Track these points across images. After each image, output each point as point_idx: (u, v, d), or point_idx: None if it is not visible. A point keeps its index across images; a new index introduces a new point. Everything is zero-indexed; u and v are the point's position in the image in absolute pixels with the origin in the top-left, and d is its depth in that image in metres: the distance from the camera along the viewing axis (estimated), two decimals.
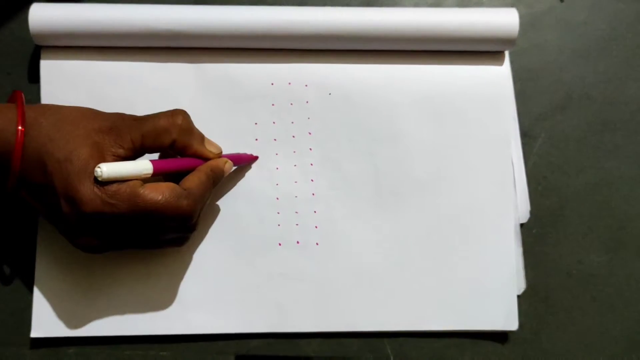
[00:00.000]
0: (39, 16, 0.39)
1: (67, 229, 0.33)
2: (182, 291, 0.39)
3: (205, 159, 0.36)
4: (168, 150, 0.35)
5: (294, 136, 0.41)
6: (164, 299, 0.39)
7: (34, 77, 0.42)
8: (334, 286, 0.40)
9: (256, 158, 0.41)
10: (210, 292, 0.39)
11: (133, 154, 0.34)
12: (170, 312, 0.39)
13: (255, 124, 0.41)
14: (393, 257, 0.40)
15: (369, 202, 0.41)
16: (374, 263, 0.40)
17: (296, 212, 0.40)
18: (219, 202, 0.40)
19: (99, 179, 0.31)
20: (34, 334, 0.38)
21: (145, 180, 0.33)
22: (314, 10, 0.40)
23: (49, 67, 0.41)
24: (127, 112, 0.40)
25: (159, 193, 0.32)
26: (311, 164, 0.41)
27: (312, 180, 0.41)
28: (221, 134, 0.41)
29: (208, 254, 0.40)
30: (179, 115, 0.35)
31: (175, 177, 0.35)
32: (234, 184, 0.40)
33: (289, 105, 0.42)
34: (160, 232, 0.34)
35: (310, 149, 0.41)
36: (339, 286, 0.40)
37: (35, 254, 0.39)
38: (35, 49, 0.42)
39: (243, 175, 0.41)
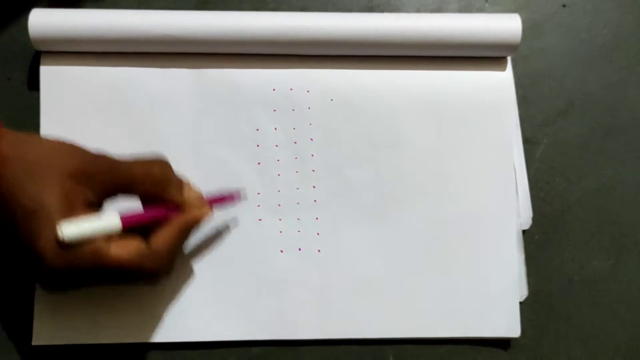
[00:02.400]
0: (39, 21, 0.39)
1: (31, 274, 0.32)
2: (183, 298, 0.39)
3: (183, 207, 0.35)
4: (141, 198, 0.34)
5: (295, 142, 0.41)
6: (164, 307, 0.39)
7: (34, 82, 0.41)
8: (335, 293, 0.40)
9: (239, 195, 0.39)
10: (211, 299, 0.39)
11: (105, 200, 0.33)
12: (171, 320, 0.39)
13: (257, 130, 0.41)
14: (395, 263, 0.40)
15: (371, 208, 0.40)
16: (376, 270, 0.40)
17: (298, 219, 0.40)
18: (219, 208, 0.40)
19: (60, 240, 0.30)
20: (36, 341, 0.38)
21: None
22: (316, 16, 0.40)
23: (49, 73, 0.41)
24: (128, 118, 0.40)
25: (125, 253, 0.31)
26: (313, 170, 0.41)
27: (313, 187, 0.41)
28: (222, 140, 0.41)
29: (208, 260, 0.39)
30: (156, 166, 0.34)
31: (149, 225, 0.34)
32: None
33: (290, 111, 0.41)
34: (126, 283, 0.33)
35: (312, 155, 0.41)
36: (341, 293, 0.40)
37: None
38: (35, 55, 0.42)
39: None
